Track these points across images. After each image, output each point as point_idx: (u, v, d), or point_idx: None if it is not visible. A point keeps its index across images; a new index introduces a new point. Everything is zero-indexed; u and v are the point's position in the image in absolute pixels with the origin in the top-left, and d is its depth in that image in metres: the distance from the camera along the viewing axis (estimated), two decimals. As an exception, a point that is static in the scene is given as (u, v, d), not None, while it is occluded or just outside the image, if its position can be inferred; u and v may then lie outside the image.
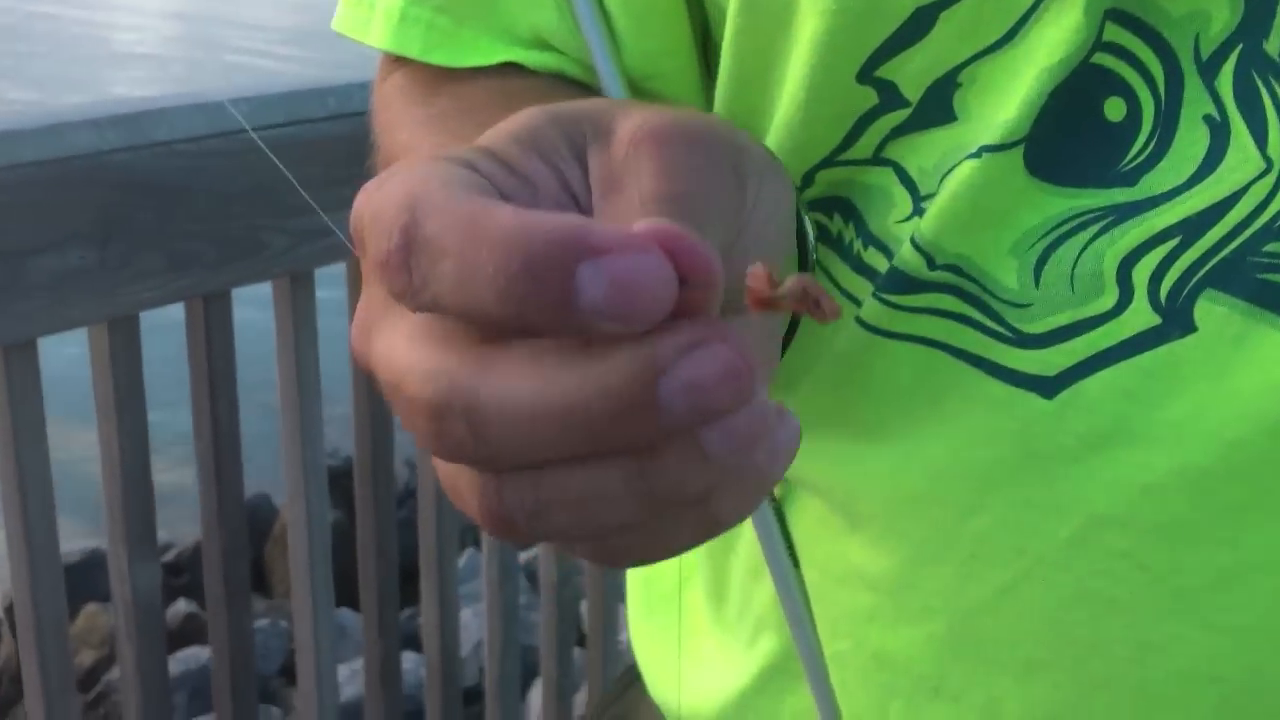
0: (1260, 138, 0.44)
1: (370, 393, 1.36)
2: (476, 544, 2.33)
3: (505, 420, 0.29)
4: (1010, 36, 0.46)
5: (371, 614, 1.43)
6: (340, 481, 1.87)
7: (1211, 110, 0.45)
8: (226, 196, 1.15)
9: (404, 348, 0.31)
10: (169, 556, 2.64)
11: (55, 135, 1.05)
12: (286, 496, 1.33)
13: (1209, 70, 0.44)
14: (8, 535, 1.12)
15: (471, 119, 0.49)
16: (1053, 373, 0.47)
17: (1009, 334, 0.47)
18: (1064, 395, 0.47)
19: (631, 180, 0.34)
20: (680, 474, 0.29)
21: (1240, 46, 0.44)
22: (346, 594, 1.50)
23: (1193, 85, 0.45)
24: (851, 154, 0.49)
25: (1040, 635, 0.48)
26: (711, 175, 0.35)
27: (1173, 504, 0.45)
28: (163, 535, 1.29)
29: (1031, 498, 0.48)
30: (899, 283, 0.48)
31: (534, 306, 0.27)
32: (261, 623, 2.39)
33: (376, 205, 0.30)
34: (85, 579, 2.47)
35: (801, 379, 0.52)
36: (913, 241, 0.48)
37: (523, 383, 0.29)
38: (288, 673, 2.30)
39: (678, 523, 0.31)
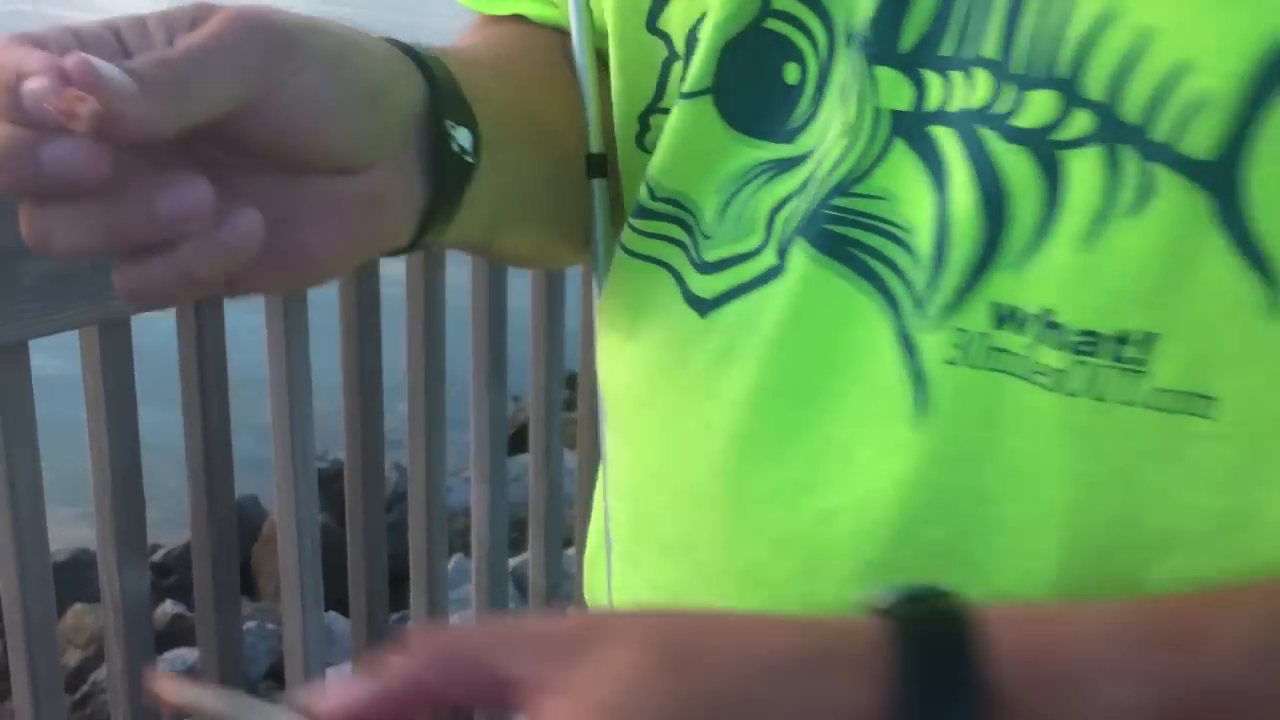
0: (851, 106, 0.50)
1: (360, 395, 1.36)
2: (465, 550, 2.34)
3: None
4: None
5: (360, 618, 1.43)
6: (329, 485, 1.87)
7: (846, 79, 0.51)
8: (219, 200, 1.15)
9: None
10: (157, 557, 2.64)
11: (49, 137, 1.05)
12: (276, 499, 1.34)
13: (851, 42, 0.51)
14: (-4, 535, 1.13)
15: (487, 50, 0.63)
16: (709, 296, 0.55)
17: (698, 260, 0.56)
18: (711, 317, 0.55)
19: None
20: (132, 216, 0.42)
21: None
22: (335, 597, 1.50)
23: (841, 55, 0.51)
24: (665, 103, 0.57)
25: (668, 520, 0.57)
26: (251, 42, 0.44)
27: (745, 418, 0.53)
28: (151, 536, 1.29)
29: (680, 399, 0.56)
30: (638, 211, 0.58)
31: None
32: (249, 625, 2.38)
33: None
34: (72, 579, 2.47)
35: (604, 293, 0.62)
36: (645, 178, 0.57)
37: None
38: (275, 675, 2.30)
39: (157, 262, 0.43)
